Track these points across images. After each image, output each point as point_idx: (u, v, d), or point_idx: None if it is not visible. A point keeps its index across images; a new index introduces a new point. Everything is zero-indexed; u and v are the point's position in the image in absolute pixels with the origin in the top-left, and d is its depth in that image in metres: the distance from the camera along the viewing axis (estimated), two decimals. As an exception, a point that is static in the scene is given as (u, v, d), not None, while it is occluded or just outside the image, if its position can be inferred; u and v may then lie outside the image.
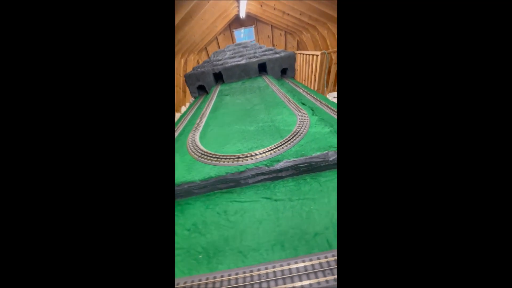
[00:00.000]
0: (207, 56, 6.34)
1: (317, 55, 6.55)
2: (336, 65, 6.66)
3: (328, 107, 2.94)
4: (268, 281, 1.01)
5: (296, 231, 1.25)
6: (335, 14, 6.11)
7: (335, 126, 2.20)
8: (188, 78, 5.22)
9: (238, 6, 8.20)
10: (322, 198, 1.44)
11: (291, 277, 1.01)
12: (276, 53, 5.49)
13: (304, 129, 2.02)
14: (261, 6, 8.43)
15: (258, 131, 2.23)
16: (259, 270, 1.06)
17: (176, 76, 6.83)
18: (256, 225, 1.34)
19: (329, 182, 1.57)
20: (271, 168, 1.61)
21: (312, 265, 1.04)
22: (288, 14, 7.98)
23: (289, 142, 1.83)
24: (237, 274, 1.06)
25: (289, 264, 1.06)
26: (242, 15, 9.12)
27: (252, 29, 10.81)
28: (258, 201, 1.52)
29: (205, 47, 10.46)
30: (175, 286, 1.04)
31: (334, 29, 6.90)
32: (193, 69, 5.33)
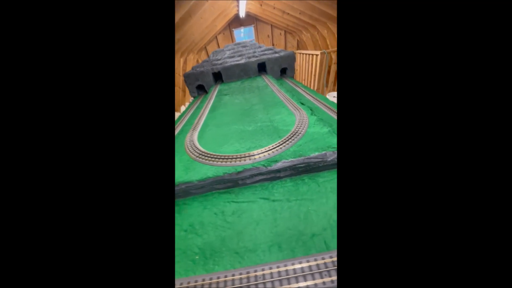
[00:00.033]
0: (207, 55, 6.32)
1: (316, 55, 6.54)
2: (335, 64, 6.64)
3: (327, 107, 2.93)
4: (264, 283, 1.00)
5: (293, 232, 1.24)
6: (335, 14, 6.09)
7: (334, 126, 2.19)
8: (187, 77, 5.21)
9: (238, 6, 8.18)
10: (320, 199, 1.43)
11: (288, 279, 1.00)
12: (275, 52, 5.47)
13: (303, 129, 2.01)
14: (261, 5, 8.40)
15: (256, 131, 2.22)
16: (255, 271, 1.05)
17: (176, 75, 6.82)
18: (253, 226, 1.33)
19: (327, 182, 1.56)
20: (269, 168, 1.60)
21: (309, 266, 1.03)
22: (288, 14, 7.96)
23: (287, 142, 1.82)
24: (233, 275, 1.05)
25: (285, 266, 1.05)
26: (242, 14, 9.09)
27: (252, 28, 10.78)
28: (256, 202, 1.51)
29: (205, 47, 10.43)
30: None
31: (334, 28, 6.88)
32: (192, 68, 5.32)
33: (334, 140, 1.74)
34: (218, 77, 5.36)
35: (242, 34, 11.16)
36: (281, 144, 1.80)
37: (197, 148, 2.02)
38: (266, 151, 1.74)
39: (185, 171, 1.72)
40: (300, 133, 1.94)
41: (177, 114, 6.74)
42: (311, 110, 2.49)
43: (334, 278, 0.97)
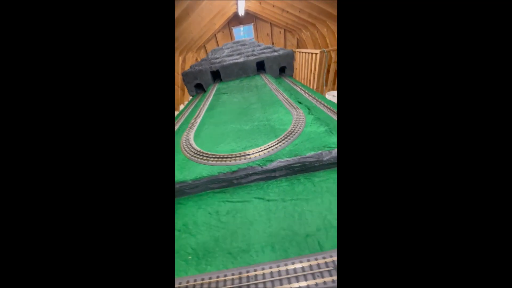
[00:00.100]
0: (206, 54, 6.27)
1: (316, 54, 6.50)
2: (335, 63, 6.61)
3: (325, 106, 2.91)
4: (256, 284, 0.99)
5: (287, 232, 1.23)
6: (334, 12, 6.05)
7: (331, 125, 2.17)
8: (185, 76, 5.18)
9: (237, 4, 8.12)
10: (315, 199, 1.42)
11: (280, 280, 0.99)
12: (274, 51, 5.43)
13: (299, 128, 1.99)
14: (260, 3, 8.34)
15: (253, 130, 2.20)
16: (248, 272, 1.04)
17: (175, 74, 6.78)
18: (247, 226, 1.32)
19: (323, 182, 1.55)
20: (264, 168, 1.59)
21: (302, 267, 1.02)
22: (287, 12, 7.90)
23: (283, 141, 1.80)
24: (225, 276, 1.04)
25: (278, 266, 1.04)
26: (241, 12, 9.03)
27: (251, 27, 10.71)
28: (251, 201, 1.50)
29: (204, 45, 10.38)
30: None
31: (333, 27, 6.84)
32: (191, 67, 5.29)
33: (330, 140, 1.73)
34: (216, 75, 5.33)
35: (242, 33, 11.09)
36: (277, 144, 1.78)
37: (193, 147, 2.01)
38: (261, 151, 1.72)
39: (179, 171, 1.71)
40: (296, 132, 1.93)
41: (175, 113, 6.72)
42: (308, 109, 2.47)
43: (327, 279, 0.96)
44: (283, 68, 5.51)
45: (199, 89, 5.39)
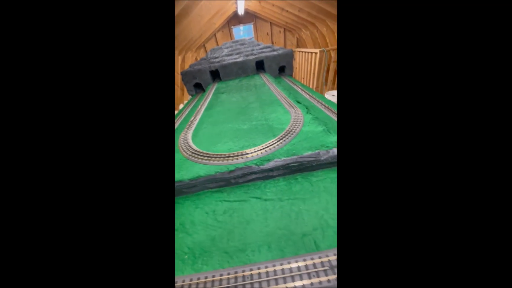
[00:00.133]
0: (206, 53, 6.25)
1: (315, 53, 6.49)
2: (335, 62, 6.59)
3: (324, 105, 2.90)
4: (252, 283, 0.99)
5: (283, 232, 1.23)
6: (334, 11, 6.03)
7: (329, 125, 2.16)
8: (184, 75, 5.17)
9: (236, 3, 8.10)
10: (312, 198, 1.42)
11: (276, 279, 0.99)
12: (273, 50, 5.42)
13: (297, 127, 1.99)
14: (260, 2, 8.31)
15: (251, 130, 2.20)
16: (243, 271, 1.04)
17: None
18: (244, 226, 1.31)
19: (320, 182, 1.55)
20: (261, 167, 1.59)
21: (298, 267, 1.02)
22: (287, 11, 7.87)
23: (281, 141, 1.80)
24: (221, 275, 1.04)
25: (274, 266, 1.04)
26: (241, 11, 9.00)
27: (251, 26, 10.69)
28: (248, 201, 1.50)
29: (203, 45, 10.35)
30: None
31: (333, 26, 6.81)
32: (190, 66, 5.28)
33: (328, 139, 1.72)
34: (216, 75, 5.32)
35: (242, 32, 11.06)
36: (274, 143, 1.78)
37: (190, 147, 2.00)
38: (259, 150, 1.72)
39: (177, 170, 1.71)
40: (294, 131, 1.92)
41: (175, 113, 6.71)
42: (307, 108, 2.47)
43: (323, 279, 0.96)
44: (282, 68, 5.50)
45: (198, 88, 5.38)
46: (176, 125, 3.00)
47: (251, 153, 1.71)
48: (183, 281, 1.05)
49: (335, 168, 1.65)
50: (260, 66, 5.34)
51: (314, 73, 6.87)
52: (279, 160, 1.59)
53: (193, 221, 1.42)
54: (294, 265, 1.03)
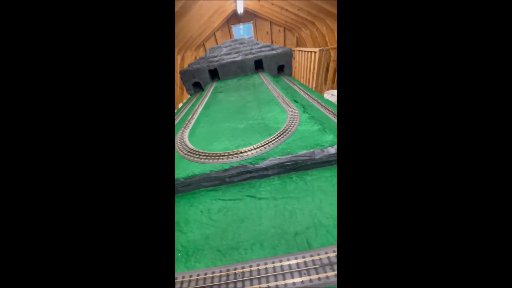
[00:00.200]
0: (205, 52, 6.24)
1: (315, 52, 6.47)
2: (334, 62, 6.58)
3: (321, 104, 2.90)
4: (243, 280, 0.99)
5: (277, 230, 1.23)
6: (333, 10, 6.00)
7: (326, 124, 2.16)
8: (183, 74, 5.17)
9: (235, 2, 8.07)
10: (306, 197, 1.42)
11: (267, 277, 1.00)
12: (272, 49, 5.41)
13: (293, 127, 1.99)
14: (259, 1, 8.28)
15: (247, 129, 2.20)
16: (235, 269, 1.05)
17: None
18: (238, 224, 1.32)
19: (315, 181, 1.55)
20: (256, 166, 1.59)
21: (289, 265, 1.03)
22: (287, 10, 7.85)
23: (276, 140, 1.80)
24: (213, 273, 1.05)
25: (266, 264, 1.05)
26: (240, 10, 8.97)
27: (251, 25, 10.66)
28: (242, 200, 1.50)
29: (203, 43, 10.33)
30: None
31: (332, 25, 6.79)
32: (189, 65, 5.27)
33: (323, 138, 1.72)
34: (214, 74, 5.31)
35: (241, 31, 11.03)
36: (269, 142, 1.78)
37: (187, 146, 2.01)
38: (254, 149, 1.72)
39: (172, 169, 1.71)
40: (290, 130, 1.93)
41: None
42: (303, 107, 2.47)
43: (313, 277, 0.97)
44: (281, 67, 5.48)
45: (197, 87, 5.37)
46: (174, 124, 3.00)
47: (246, 152, 1.71)
48: (176, 278, 1.05)
49: (330, 167, 1.65)
50: (259, 65, 5.33)
51: (313, 72, 6.86)
52: (274, 159, 1.59)
53: (188, 220, 1.42)
54: (285, 263, 1.03)
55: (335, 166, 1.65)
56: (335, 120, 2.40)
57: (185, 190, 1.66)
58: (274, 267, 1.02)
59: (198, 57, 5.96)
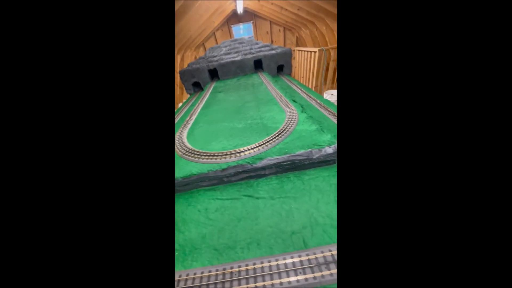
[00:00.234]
0: (205, 52, 6.25)
1: (315, 52, 6.47)
2: (334, 61, 6.57)
3: (320, 104, 2.90)
4: (239, 279, 1.00)
5: (273, 229, 1.24)
6: (333, 10, 6.00)
7: (324, 124, 2.17)
8: (182, 74, 5.17)
9: (235, 2, 8.07)
10: (303, 197, 1.43)
11: (263, 276, 1.00)
12: (272, 49, 5.41)
13: (291, 126, 1.99)
14: (259, 1, 8.28)
15: (245, 128, 2.21)
16: (232, 268, 1.05)
17: (172, 72, 6.75)
18: (235, 223, 1.33)
19: (312, 180, 1.56)
20: (254, 166, 1.60)
21: (285, 264, 1.03)
22: (286, 10, 7.84)
23: (274, 139, 1.81)
24: (210, 271, 1.06)
25: (262, 263, 1.05)
26: (240, 10, 8.97)
27: (251, 24, 10.65)
28: (240, 199, 1.51)
29: (203, 43, 10.33)
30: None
31: (332, 25, 6.78)
32: (188, 65, 5.28)
33: (321, 138, 1.73)
34: (214, 74, 5.32)
35: (242, 31, 11.02)
36: (267, 142, 1.79)
37: (185, 145, 2.02)
38: (252, 149, 1.73)
39: (171, 168, 1.72)
40: (288, 130, 1.93)
41: (174, 111, 6.67)
42: (302, 107, 2.47)
43: (309, 276, 0.97)
44: (281, 67, 5.49)
45: (197, 87, 5.38)
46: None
47: (244, 151, 1.72)
48: (172, 277, 1.06)
49: (328, 166, 1.66)
50: (258, 65, 5.34)
51: (313, 72, 6.85)
52: (271, 158, 1.60)
53: (185, 219, 1.43)
54: (281, 262, 1.04)
55: (333, 165, 1.66)
56: (334, 120, 2.40)
57: (183, 190, 1.67)
58: (270, 266, 1.03)
59: (198, 57, 5.97)
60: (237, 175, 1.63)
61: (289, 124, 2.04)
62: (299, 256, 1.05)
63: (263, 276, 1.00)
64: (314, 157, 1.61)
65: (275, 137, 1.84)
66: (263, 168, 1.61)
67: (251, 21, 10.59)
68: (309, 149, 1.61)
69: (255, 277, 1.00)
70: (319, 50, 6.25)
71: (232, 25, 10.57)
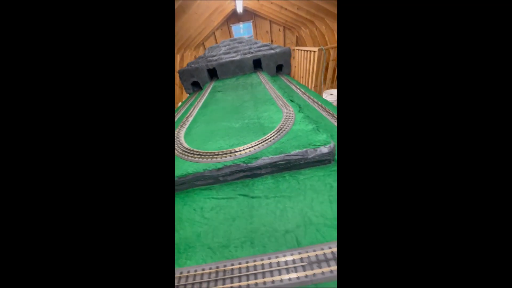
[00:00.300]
0: (204, 52, 6.25)
1: (314, 51, 6.45)
2: (333, 61, 6.56)
3: (318, 104, 2.91)
4: (232, 277, 1.01)
5: (267, 228, 1.25)
6: (332, 10, 5.98)
7: (321, 124, 2.17)
8: (182, 74, 5.18)
9: (235, 0, 8.06)
10: (298, 196, 1.44)
11: (255, 274, 1.01)
12: (271, 49, 5.41)
13: (288, 126, 2.00)
14: (258, 1, 8.26)
15: (242, 128, 2.22)
16: (225, 266, 1.07)
17: (172, 72, 6.75)
18: (230, 222, 1.34)
19: (307, 180, 1.56)
20: (249, 165, 1.60)
21: (278, 262, 1.04)
22: (286, 9, 7.83)
23: (270, 139, 1.81)
24: (203, 270, 1.07)
25: (255, 261, 1.06)
26: (239, 9, 8.96)
27: (250, 24, 10.63)
28: (235, 198, 1.52)
29: (203, 43, 10.33)
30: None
31: (332, 24, 6.77)
32: (188, 65, 5.28)
33: (317, 138, 1.73)
34: (213, 73, 5.32)
35: (241, 30, 11.01)
36: (263, 141, 1.79)
37: (182, 145, 2.03)
38: (247, 148, 1.73)
39: (167, 168, 1.73)
40: (284, 130, 1.94)
41: (173, 111, 6.67)
42: (299, 107, 2.47)
43: (301, 274, 0.98)
44: (280, 66, 5.49)
45: (196, 87, 5.39)
46: (171, 124, 3.02)
47: (240, 151, 1.72)
48: (166, 275, 1.07)
49: (323, 166, 1.66)
50: (257, 64, 5.34)
51: (313, 72, 6.84)
52: (267, 158, 1.61)
53: (181, 218, 1.44)
54: (274, 260, 1.05)
55: (328, 165, 1.67)
56: (331, 120, 2.40)
57: (179, 189, 1.68)
58: (262, 264, 1.04)
59: (197, 57, 5.97)
60: (233, 174, 1.64)
61: (286, 123, 2.05)
62: (292, 255, 1.06)
63: (255, 274, 1.01)
64: (309, 156, 1.61)
65: (271, 137, 1.85)
66: (259, 167, 1.62)
67: (251, 21, 10.57)
68: (305, 149, 1.62)
69: (247, 275, 1.01)
70: (318, 49, 6.24)
71: (232, 25, 10.56)
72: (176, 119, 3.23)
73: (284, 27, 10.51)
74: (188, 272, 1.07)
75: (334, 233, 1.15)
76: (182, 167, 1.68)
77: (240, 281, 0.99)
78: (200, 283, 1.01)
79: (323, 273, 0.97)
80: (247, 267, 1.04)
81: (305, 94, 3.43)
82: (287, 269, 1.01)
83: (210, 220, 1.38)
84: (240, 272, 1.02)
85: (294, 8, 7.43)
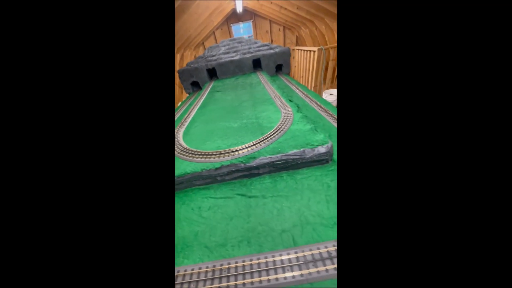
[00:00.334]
0: (204, 51, 6.25)
1: (314, 51, 6.45)
2: (333, 61, 6.55)
3: (316, 104, 2.91)
4: (228, 276, 1.02)
5: (264, 228, 1.26)
6: (332, 9, 5.98)
7: (319, 124, 2.18)
8: (181, 74, 5.19)
9: (235, 0, 8.05)
10: (295, 196, 1.44)
11: (251, 273, 1.02)
12: (271, 48, 5.41)
13: (286, 126, 2.00)
14: (258, 0, 8.26)
15: (241, 128, 2.22)
16: (221, 265, 1.07)
17: (172, 71, 6.75)
18: (227, 221, 1.34)
19: (305, 179, 1.57)
20: (247, 165, 1.61)
21: (274, 261, 1.05)
22: (286, 9, 7.82)
23: (268, 139, 1.82)
24: (200, 268, 1.08)
25: (251, 260, 1.07)
26: (239, 9, 8.95)
27: (250, 24, 10.62)
28: (233, 198, 1.53)
29: (202, 42, 10.33)
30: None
31: (331, 24, 6.76)
32: (187, 64, 5.29)
33: (314, 137, 1.74)
34: (213, 73, 5.33)
35: (241, 30, 10.99)
36: (261, 141, 1.80)
37: (180, 145, 2.03)
38: (245, 148, 1.74)
39: (165, 167, 1.74)
40: (282, 130, 1.94)
41: (173, 111, 6.67)
42: (298, 107, 2.48)
43: (296, 273, 0.99)
44: (279, 66, 5.49)
45: (195, 86, 5.39)
46: (170, 123, 3.03)
47: (237, 151, 1.73)
48: (163, 274, 1.08)
49: (321, 166, 1.67)
50: (257, 64, 5.34)
51: (312, 71, 6.84)
52: (264, 158, 1.61)
53: (179, 217, 1.45)
54: (270, 259, 1.06)
55: (326, 165, 1.67)
56: (329, 120, 2.41)
57: (178, 189, 1.68)
58: (259, 264, 1.05)
59: (197, 56, 5.98)
60: (231, 174, 1.64)
61: (284, 123, 2.05)
62: (288, 254, 1.07)
63: (251, 273, 1.02)
64: (307, 156, 1.62)
65: (269, 137, 1.85)
66: (257, 167, 1.62)
67: (251, 20, 10.56)
68: (302, 149, 1.62)
69: (243, 274, 1.02)
70: (318, 49, 6.23)
71: (231, 24, 10.55)
72: (175, 118, 3.24)
73: (284, 27, 10.49)
74: (185, 271, 1.08)
75: (330, 233, 1.16)
76: (181, 167, 1.69)
77: (236, 280, 1.00)
78: (197, 281, 1.02)
79: (318, 272, 0.97)
80: (244, 266, 1.05)
81: (304, 94, 3.43)
82: (283, 268, 1.01)
83: (208, 220, 1.39)
84: (236, 271, 1.03)
85: (294, 8, 7.43)
